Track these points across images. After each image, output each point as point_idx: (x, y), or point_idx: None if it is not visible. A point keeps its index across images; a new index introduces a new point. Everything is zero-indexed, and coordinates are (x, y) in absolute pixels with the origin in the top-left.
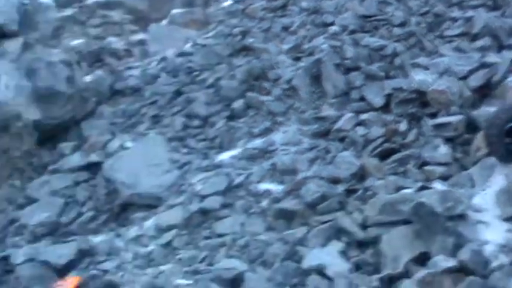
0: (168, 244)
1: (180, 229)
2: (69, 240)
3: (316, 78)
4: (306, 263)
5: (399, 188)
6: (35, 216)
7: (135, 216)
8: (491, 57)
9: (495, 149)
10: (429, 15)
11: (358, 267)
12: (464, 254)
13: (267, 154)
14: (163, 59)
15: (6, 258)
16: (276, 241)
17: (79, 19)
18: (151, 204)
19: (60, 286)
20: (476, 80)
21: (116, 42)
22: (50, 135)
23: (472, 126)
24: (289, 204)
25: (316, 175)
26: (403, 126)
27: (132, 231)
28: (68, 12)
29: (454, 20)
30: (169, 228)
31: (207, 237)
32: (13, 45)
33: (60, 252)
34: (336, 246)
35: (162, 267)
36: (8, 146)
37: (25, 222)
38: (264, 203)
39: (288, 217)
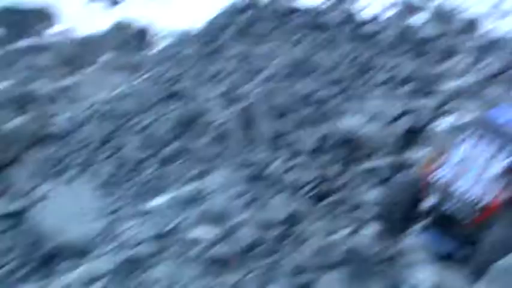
0: None
1: (110, 278)
2: None
3: (248, 123)
4: None
5: (332, 232)
6: None
7: (62, 266)
8: (417, 103)
9: None
10: (358, 61)
11: None
12: None
13: (199, 199)
14: (94, 103)
15: None
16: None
17: (4, 62)
18: (79, 253)
19: None
20: (403, 125)
21: (43, 87)
22: None
23: (401, 170)
24: (222, 249)
25: (249, 220)
26: (334, 170)
27: (60, 282)
28: None
29: (382, 66)
30: (99, 277)
31: (139, 285)
32: None
33: None
34: None
35: None
36: None
37: None
38: (197, 249)
39: (221, 263)
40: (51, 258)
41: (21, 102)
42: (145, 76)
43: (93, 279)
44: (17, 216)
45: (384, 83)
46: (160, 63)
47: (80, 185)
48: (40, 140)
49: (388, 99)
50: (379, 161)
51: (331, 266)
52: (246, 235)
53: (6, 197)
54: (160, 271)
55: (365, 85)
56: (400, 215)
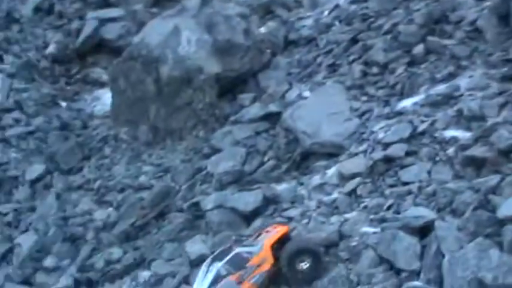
0: (352, 192)
1: (363, 177)
2: (254, 188)
3: (503, 18)
4: (501, 213)
5: None
6: (220, 165)
7: (316, 165)
8: None
9: None
10: None
11: None
12: None
13: (452, 100)
14: (336, 7)
15: (196, 204)
16: (466, 189)
17: None
18: (332, 152)
19: (269, 232)
20: None
21: None
22: (229, 87)
23: None
24: (478, 151)
25: (507, 121)
26: None
27: (315, 180)
28: None
29: None
30: (353, 176)
31: (392, 185)
32: (192, 2)
33: (247, 200)
34: None
35: (347, 215)
36: (192, 98)
37: (211, 170)
38: (451, 150)
39: (477, 165)
40: (306, 158)
41: (269, 8)
42: None
43: (347, 178)
44: (272, 118)
45: None
46: None
47: (331, 86)
48: (289, 44)
49: None
50: None
51: None
52: (502, 137)
53: (262, 100)
54: (413, 171)
55: None
56: None
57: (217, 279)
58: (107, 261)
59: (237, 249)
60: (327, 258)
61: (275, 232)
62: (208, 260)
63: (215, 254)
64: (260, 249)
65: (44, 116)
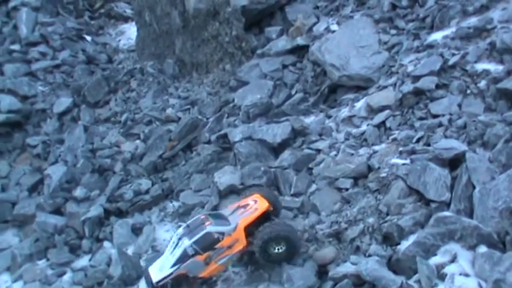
0: (381, 124)
1: (392, 110)
2: (282, 121)
3: None
4: None
5: None
6: (247, 97)
7: (344, 98)
8: None
9: None
10: None
11: None
12: None
13: (484, 33)
14: None
15: (224, 136)
16: (497, 122)
17: None
18: (361, 85)
19: (247, 206)
20: None
21: None
22: (256, 20)
23: None
24: (510, 84)
25: None
26: None
27: (343, 112)
28: None
29: None
30: (382, 109)
31: (422, 118)
32: None
33: (275, 132)
34: None
35: (375, 147)
36: (218, 31)
37: (238, 103)
38: (482, 83)
39: (509, 97)
40: (334, 91)
41: None
42: None
43: (376, 111)
44: (300, 51)
45: None
46: None
47: (359, 20)
48: None
49: None
50: None
51: None
52: None
53: (289, 33)
54: (444, 104)
55: None
56: None
57: (183, 257)
58: (136, 192)
59: (208, 228)
60: (356, 189)
61: (253, 211)
62: (181, 231)
63: (188, 223)
64: (233, 230)
65: (70, 50)
